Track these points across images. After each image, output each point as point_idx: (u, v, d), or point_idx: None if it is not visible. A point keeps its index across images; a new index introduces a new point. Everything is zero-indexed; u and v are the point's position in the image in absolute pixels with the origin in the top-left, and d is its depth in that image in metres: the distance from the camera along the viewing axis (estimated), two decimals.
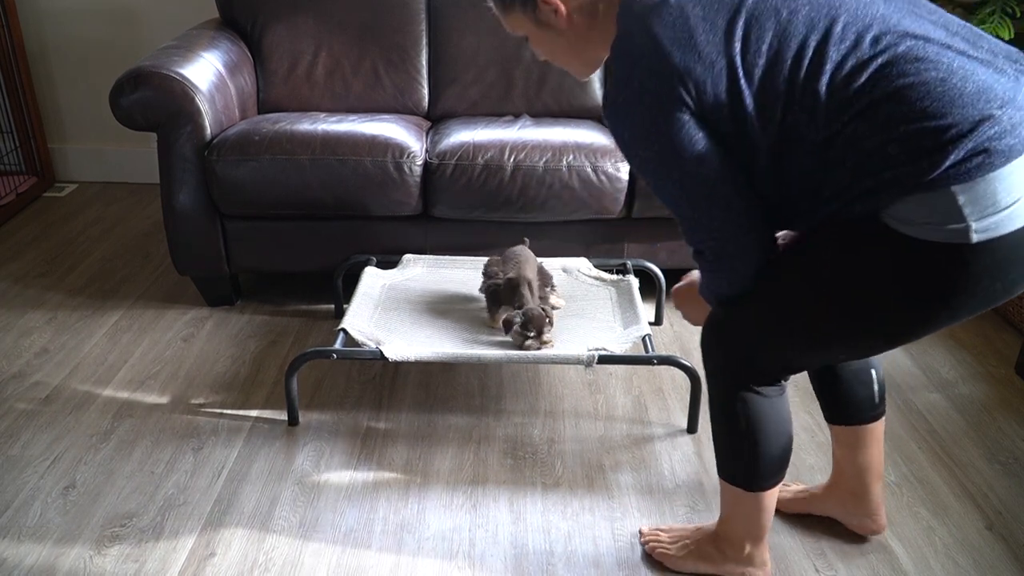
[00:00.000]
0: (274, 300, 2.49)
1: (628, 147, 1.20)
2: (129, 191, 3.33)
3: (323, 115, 2.44)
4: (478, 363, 2.06)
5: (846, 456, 1.54)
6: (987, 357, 2.24)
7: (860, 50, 1.07)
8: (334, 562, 1.53)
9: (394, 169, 2.21)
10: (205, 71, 2.30)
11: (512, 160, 2.22)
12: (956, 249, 1.06)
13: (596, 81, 2.67)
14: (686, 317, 1.50)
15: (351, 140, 2.22)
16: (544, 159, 2.22)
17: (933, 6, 1.16)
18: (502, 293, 1.96)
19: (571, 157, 2.22)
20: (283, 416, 1.94)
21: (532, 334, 1.87)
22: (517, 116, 2.61)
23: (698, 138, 1.14)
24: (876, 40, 1.07)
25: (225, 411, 1.96)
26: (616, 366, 2.15)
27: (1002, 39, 2.44)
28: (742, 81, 1.11)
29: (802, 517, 1.65)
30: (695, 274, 1.49)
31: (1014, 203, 1.04)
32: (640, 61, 1.14)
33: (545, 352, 1.83)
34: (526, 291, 1.93)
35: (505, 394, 2.05)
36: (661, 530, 1.58)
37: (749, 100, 1.11)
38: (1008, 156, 1.03)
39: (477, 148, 2.24)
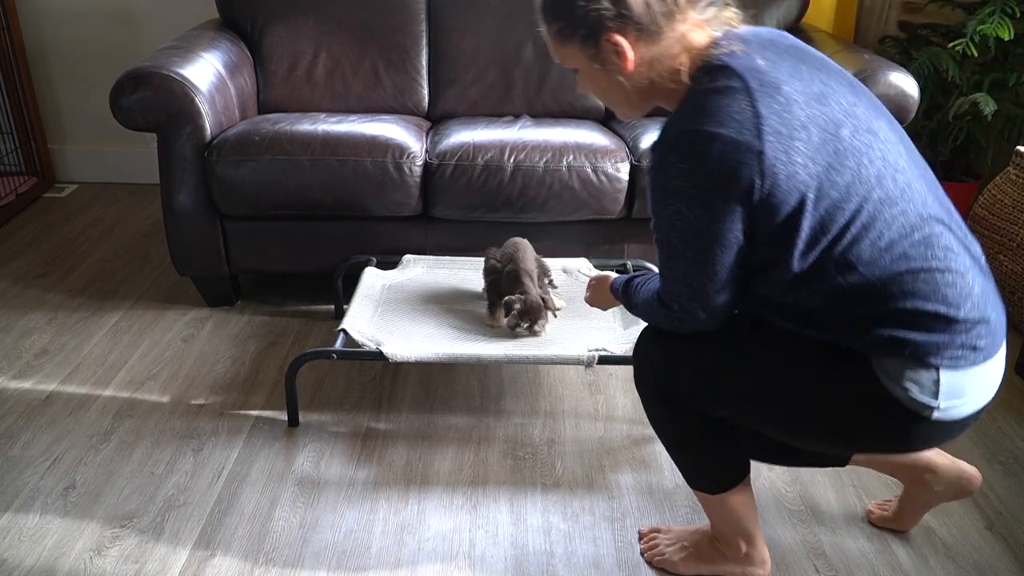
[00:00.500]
0: (274, 300, 2.49)
1: (663, 189, 1.15)
2: (129, 191, 3.33)
3: (323, 115, 2.44)
4: (478, 363, 2.06)
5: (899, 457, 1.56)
6: None
7: (907, 219, 1.13)
8: (334, 563, 1.53)
9: (394, 169, 2.21)
10: (205, 72, 2.30)
11: (512, 160, 2.22)
12: (915, 413, 1.16)
13: None
14: (590, 301, 1.60)
15: (351, 140, 2.22)
16: (544, 159, 2.22)
17: (932, 173, 1.23)
18: (503, 286, 1.97)
19: (571, 157, 2.22)
20: (283, 417, 1.94)
21: (525, 324, 1.90)
22: (517, 116, 2.61)
23: (736, 231, 1.14)
24: (919, 216, 1.14)
25: (225, 412, 1.96)
26: (616, 366, 2.15)
27: (1002, 39, 2.45)
28: (809, 207, 1.11)
29: (803, 517, 1.65)
30: (607, 279, 1.56)
31: (972, 397, 1.16)
32: (730, 125, 1.10)
33: (545, 352, 1.82)
34: (528, 281, 1.96)
35: (505, 394, 2.05)
36: (659, 531, 1.58)
37: (805, 226, 1.12)
38: (986, 356, 1.15)
39: (477, 148, 2.24)
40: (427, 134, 2.45)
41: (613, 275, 1.54)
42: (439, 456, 1.83)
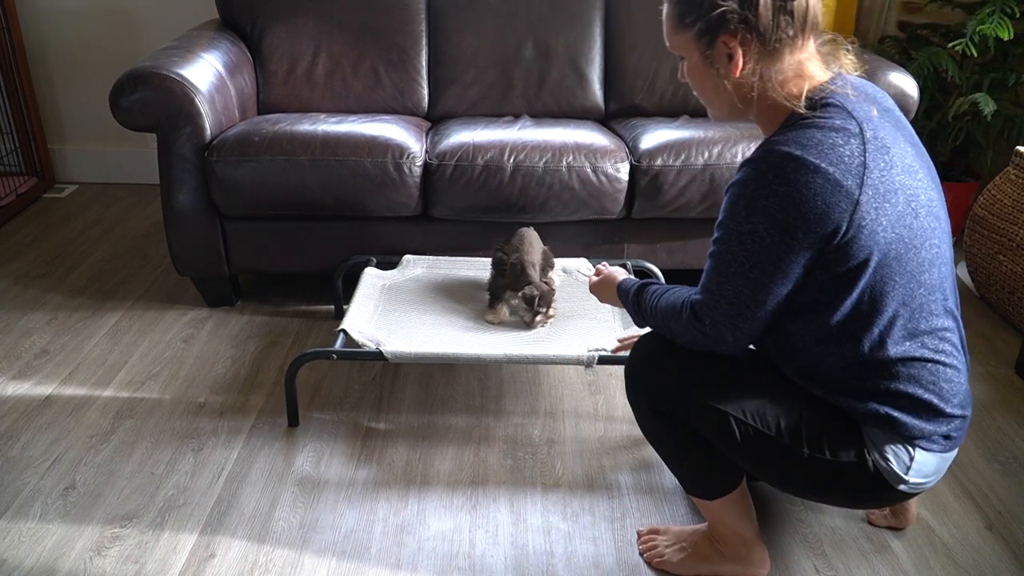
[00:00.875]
0: (274, 301, 2.49)
1: (748, 206, 1.14)
2: (129, 192, 3.33)
3: (323, 116, 2.44)
4: (478, 363, 2.06)
5: None
6: (987, 357, 2.24)
7: (936, 308, 1.21)
8: (334, 563, 1.53)
9: (394, 170, 2.21)
10: (205, 72, 2.30)
11: (512, 161, 2.22)
12: (886, 482, 1.26)
13: (596, 82, 2.67)
14: (593, 289, 1.58)
15: (351, 141, 2.22)
16: (544, 160, 2.22)
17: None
18: (508, 277, 2.01)
19: (571, 157, 2.22)
20: (283, 417, 1.94)
21: (543, 310, 1.96)
22: (517, 116, 2.61)
23: (801, 267, 1.15)
24: (943, 309, 1.22)
25: (225, 412, 1.96)
26: (616, 366, 2.15)
27: (1002, 39, 2.45)
28: (871, 268, 1.14)
29: (803, 517, 1.65)
30: (616, 275, 1.54)
31: (933, 478, 1.28)
32: (838, 164, 1.10)
33: (545, 352, 1.82)
34: (532, 272, 1.98)
35: (505, 394, 2.05)
36: (658, 532, 1.58)
37: (861, 284, 1.16)
38: (954, 446, 1.27)
39: (477, 149, 2.24)
40: (427, 134, 2.45)
41: (622, 273, 1.52)
42: (439, 456, 1.83)
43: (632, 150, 2.30)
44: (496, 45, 2.65)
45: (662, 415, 1.38)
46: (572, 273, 2.25)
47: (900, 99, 2.23)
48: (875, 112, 1.17)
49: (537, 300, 1.95)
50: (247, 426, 1.91)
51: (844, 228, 1.12)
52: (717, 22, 1.15)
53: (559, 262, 2.26)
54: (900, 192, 1.14)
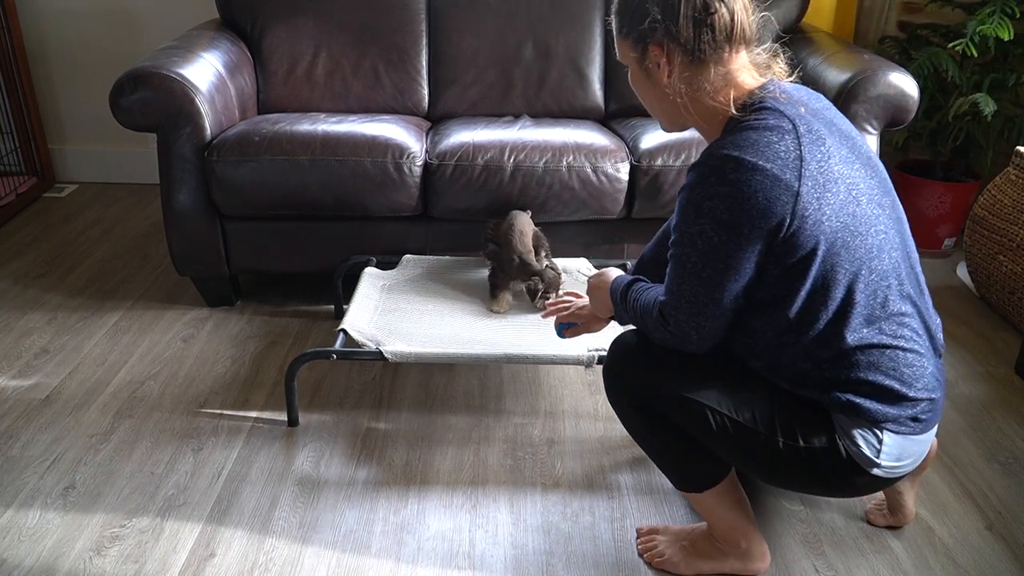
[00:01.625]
0: (274, 300, 2.49)
1: (696, 209, 1.19)
2: (129, 192, 3.33)
3: (323, 115, 2.44)
4: (478, 363, 2.06)
5: None
6: (987, 357, 2.24)
7: (890, 294, 1.23)
8: (334, 563, 1.53)
9: (394, 170, 2.21)
10: (205, 72, 2.30)
11: (512, 161, 2.22)
12: (858, 466, 1.29)
13: (596, 82, 2.67)
14: (591, 292, 1.52)
15: (351, 141, 2.22)
16: (544, 159, 2.22)
17: (916, 254, 1.33)
18: (508, 273, 2.04)
19: (571, 157, 2.23)
20: (283, 417, 1.94)
21: (552, 295, 1.99)
22: (517, 116, 2.61)
23: (752, 262, 1.20)
24: (900, 295, 1.25)
25: (225, 412, 1.96)
26: None
27: (1002, 39, 2.45)
28: (819, 257, 1.19)
29: (803, 517, 1.65)
30: (611, 271, 1.49)
31: (908, 462, 1.31)
32: (775, 161, 1.15)
33: (545, 352, 1.82)
34: (531, 260, 2.02)
35: (505, 394, 2.05)
36: (657, 531, 1.58)
37: (812, 274, 1.20)
38: (925, 428, 1.29)
39: (477, 149, 2.24)
40: (427, 134, 2.45)
41: (616, 272, 1.51)
42: (439, 456, 1.83)
43: (632, 150, 2.30)
44: (496, 45, 2.65)
45: (643, 411, 1.40)
46: (572, 273, 2.25)
47: (900, 99, 2.24)
48: (806, 112, 1.22)
49: (541, 292, 1.98)
50: (247, 426, 1.91)
51: (788, 220, 1.16)
52: (645, 32, 1.23)
53: (559, 262, 2.26)
54: (840, 181, 1.18)
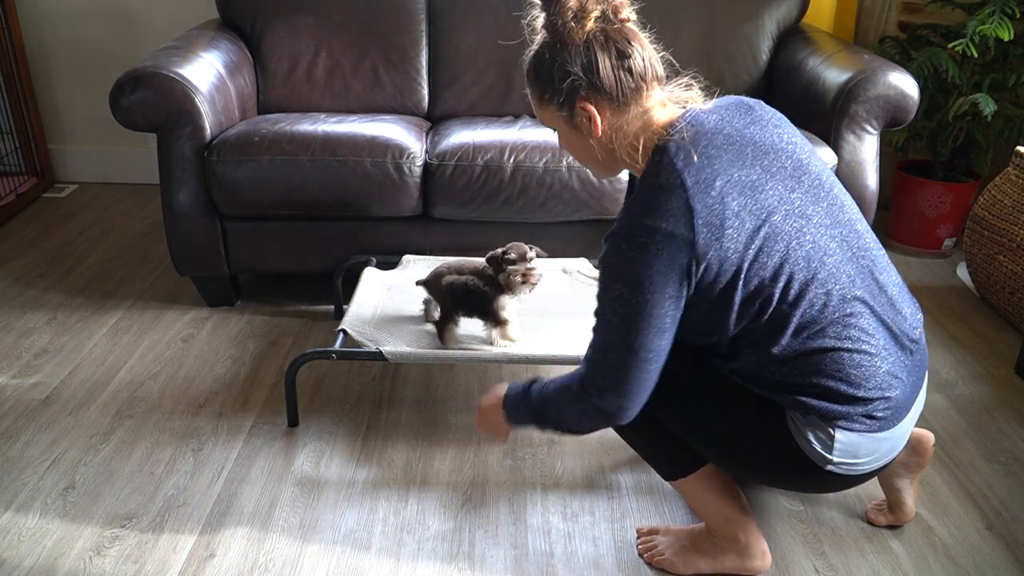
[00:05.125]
0: (274, 300, 2.49)
1: (611, 275, 1.25)
2: (129, 192, 3.33)
3: (323, 116, 2.44)
4: (478, 363, 2.06)
5: None
6: (987, 357, 2.24)
7: (830, 299, 1.25)
8: (334, 563, 1.53)
9: (394, 170, 2.21)
10: (205, 72, 2.30)
11: (512, 161, 2.22)
12: (814, 464, 1.31)
13: None
14: (482, 425, 1.51)
15: (351, 141, 2.22)
16: (544, 160, 2.22)
17: (881, 260, 1.34)
18: (461, 305, 1.88)
19: (571, 158, 2.22)
20: (283, 417, 1.94)
21: (522, 271, 1.80)
22: (517, 116, 2.61)
23: (671, 316, 1.24)
24: (842, 297, 1.26)
25: (225, 412, 1.96)
26: None
27: (1002, 40, 2.45)
28: (740, 284, 1.23)
29: (803, 517, 1.65)
30: (499, 389, 1.47)
31: (868, 459, 1.32)
32: (668, 220, 1.20)
33: (545, 352, 1.82)
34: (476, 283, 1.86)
35: None
36: (657, 531, 1.58)
37: (736, 300, 1.24)
38: (884, 425, 1.30)
39: (477, 149, 2.24)
40: (427, 134, 2.45)
41: (501, 389, 1.47)
42: (439, 456, 1.83)
43: None
44: (496, 45, 2.65)
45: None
46: (572, 273, 2.25)
47: (900, 99, 2.24)
48: (697, 158, 1.22)
49: (513, 259, 1.80)
50: (247, 426, 1.91)
51: (694, 268, 1.21)
52: (570, 92, 1.26)
53: (559, 262, 2.26)
54: (742, 213, 1.21)
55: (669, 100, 1.31)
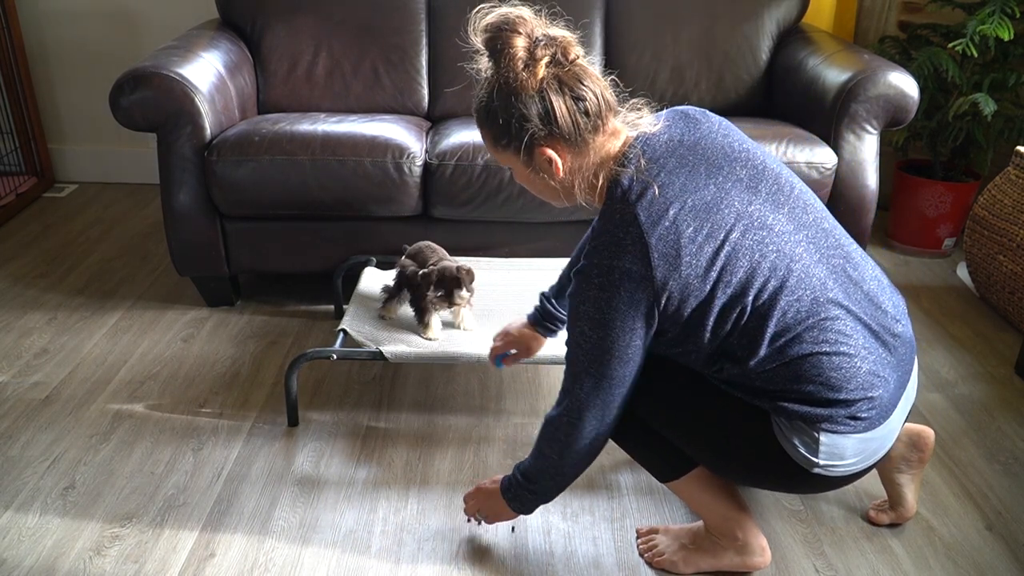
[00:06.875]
0: (274, 300, 2.49)
1: (576, 312, 1.27)
2: (129, 192, 3.33)
3: (323, 115, 2.44)
4: (478, 363, 2.06)
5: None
6: (987, 357, 2.24)
7: (802, 305, 1.25)
8: (334, 563, 1.53)
9: (394, 170, 2.21)
10: (205, 72, 2.30)
11: None
12: (800, 466, 1.31)
13: None
14: (483, 515, 1.55)
15: (351, 141, 2.22)
16: None
17: (855, 255, 1.34)
18: (424, 290, 1.92)
19: None
20: (283, 417, 1.94)
21: (439, 294, 1.88)
22: None
23: (636, 347, 1.26)
24: (814, 301, 1.26)
25: (225, 411, 1.96)
26: None
27: (1002, 39, 2.45)
28: (708, 306, 1.24)
29: (803, 517, 1.65)
30: (486, 482, 1.55)
31: (855, 460, 1.31)
32: (625, 257, 1.22)
33: (545, 352, 1.82)
34: (436, 256, 1.96)
35: (505, 394, 2.05)
36: (657, 532, 1.58)
37: (708, 321, 1.25)
38: (870, 425, 1.29)
39: (477, 148, 2.24)
40: (427, 134, 2.45)
41: (497, 477, 1.53)
42: (439, 456, 1.83)
43: None
44: None
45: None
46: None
47: (900, 99, 2.24)
48: (651, 189, 1.23)
49: (435, 281, 1.86)
50: (247, 426, 1.91)
51: (656, 300, 1.22)
52: (528, 141, 1.25)
53: (559, 262, 2.26)
54: (698, 236, 1.22)
55: (622, 124, 1.31)
